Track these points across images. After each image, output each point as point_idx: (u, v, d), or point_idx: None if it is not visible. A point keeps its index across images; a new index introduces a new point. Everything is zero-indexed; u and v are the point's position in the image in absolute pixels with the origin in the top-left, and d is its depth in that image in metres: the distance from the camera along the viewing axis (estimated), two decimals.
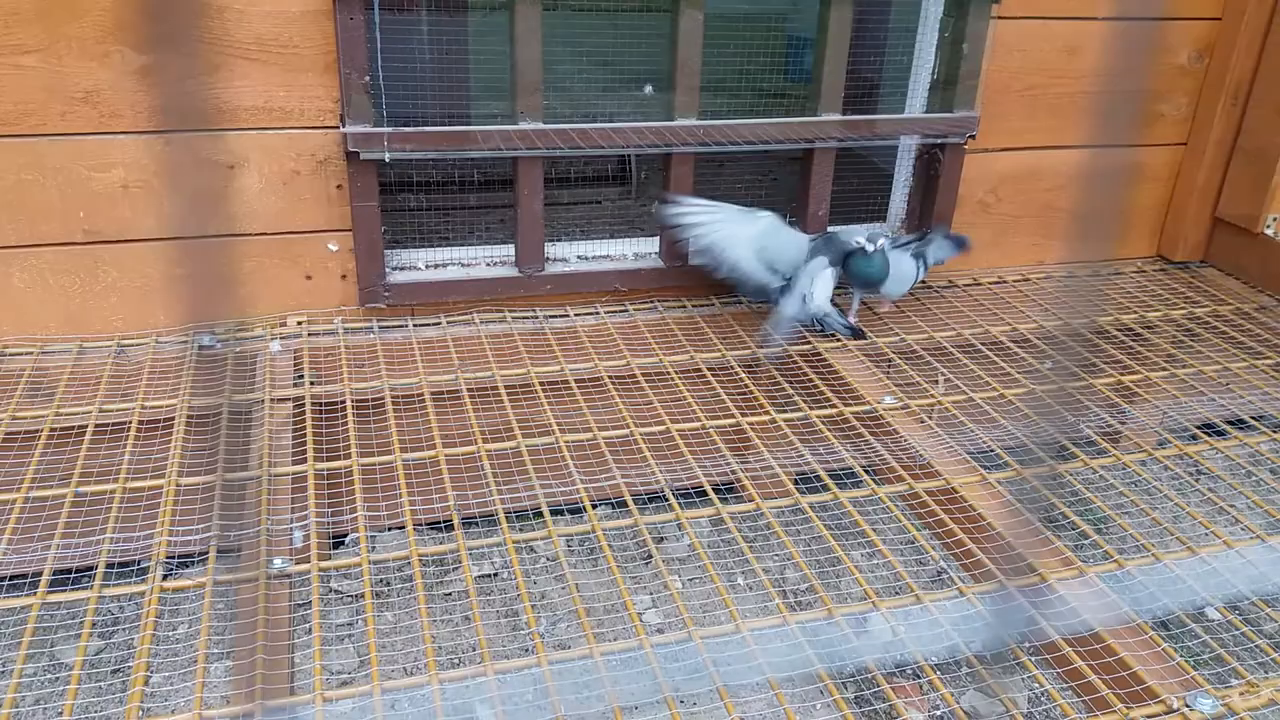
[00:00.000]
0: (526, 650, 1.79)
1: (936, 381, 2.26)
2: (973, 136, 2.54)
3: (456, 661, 2.04)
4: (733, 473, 1.90)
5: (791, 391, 2.15)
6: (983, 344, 2.37)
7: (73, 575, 1.55)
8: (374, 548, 2.11)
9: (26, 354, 2.06)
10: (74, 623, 1.47)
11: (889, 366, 2.29)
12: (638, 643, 1.52)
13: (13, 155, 1.96)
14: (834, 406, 2.09)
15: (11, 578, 1.53)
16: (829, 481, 1.86)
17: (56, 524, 1.63)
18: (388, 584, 2.11)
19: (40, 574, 1.52)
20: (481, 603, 1.59)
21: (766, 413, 2.06)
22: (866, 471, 1.92)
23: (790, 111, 2.53)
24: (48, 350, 2.07)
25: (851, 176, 2.66)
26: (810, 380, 2.19)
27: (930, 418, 2.09)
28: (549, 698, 1.44)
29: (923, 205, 2.63)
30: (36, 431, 1.84)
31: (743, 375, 2.21)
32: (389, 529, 2.13)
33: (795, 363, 2.26)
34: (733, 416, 2.06)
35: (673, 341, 2.30)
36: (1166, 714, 1.37)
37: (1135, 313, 2.56)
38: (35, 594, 1.49)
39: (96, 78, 1.94)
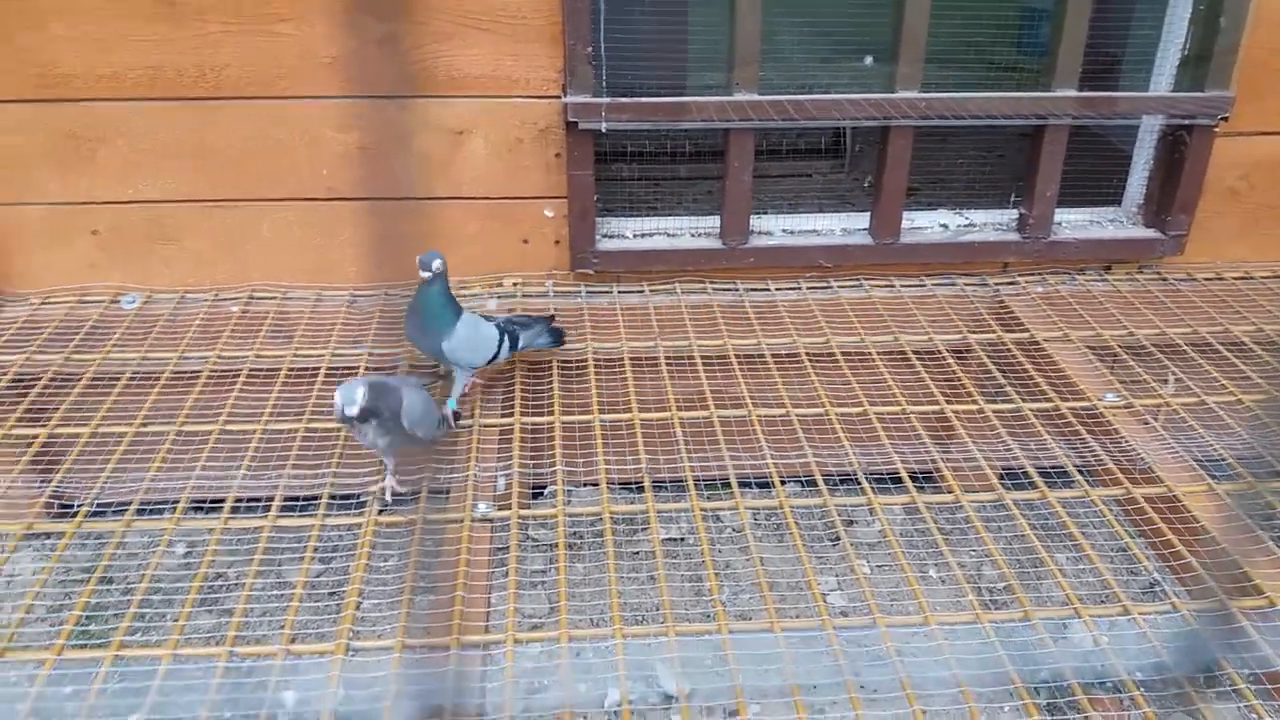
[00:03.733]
0: (708, 616, 1.81)
1: (1166, 380, 2.09)
2: (1225, 118, 2.32)
3: (640, 619, 2.09)
4: (932, 461, 1.84)
5: (1004, 382, 2.06)
6: (1222, 343, 2.17)
7: (300, 503, 1.70)
8: (570, 501, 2.18)
9: (271, 299, 2.25)
10: (299, 546, 1.61)
11: (1114, 361, 2.15)
12: (820, 623, 1.51)
13: (267, 115, 2.14)
14: (1049, 400, 1.98)
15: (248, 500, 1.69)
16: (1037, 479, 1.77)
17: (289, 456, 1.79)
18: (580, 537, 2.18)
19: (272, 500, 1.67)
20: (667, 565, 1.62)
21: (974, 402, 1.98)
22: (1080, 471, 1.81)
23: (1021, 86, 2.40)
24: (289, 296, 2.26)
25: (1085, 156, 2.50)
26: (1026, 371, 2.09)
27: (1155, 419, 1.94)
28: (727, 665, 1.45)
29: (1163, 191, 2.43)
30: (277, 370, 2.01)
31: (951, 361, 2.12)
32: (584, 485, 2.20)
33: (1010, 352, 2.15)
34: (936, 403, 1.99)
35: (877, 321, 2.24)
36: None
37: None
38: (267, 517, 1.64)
39: (341, 44, 2.08)
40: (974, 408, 1.97)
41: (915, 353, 2.13)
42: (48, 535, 1.62)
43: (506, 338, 1.95)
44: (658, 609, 2.01)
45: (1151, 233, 2.45)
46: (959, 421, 1.94)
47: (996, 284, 2.41)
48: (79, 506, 1.66)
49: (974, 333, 2.23)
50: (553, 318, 2.12)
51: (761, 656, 2.05)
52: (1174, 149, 2.40)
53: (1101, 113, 2.32)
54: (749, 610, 2.08)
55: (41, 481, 1.83)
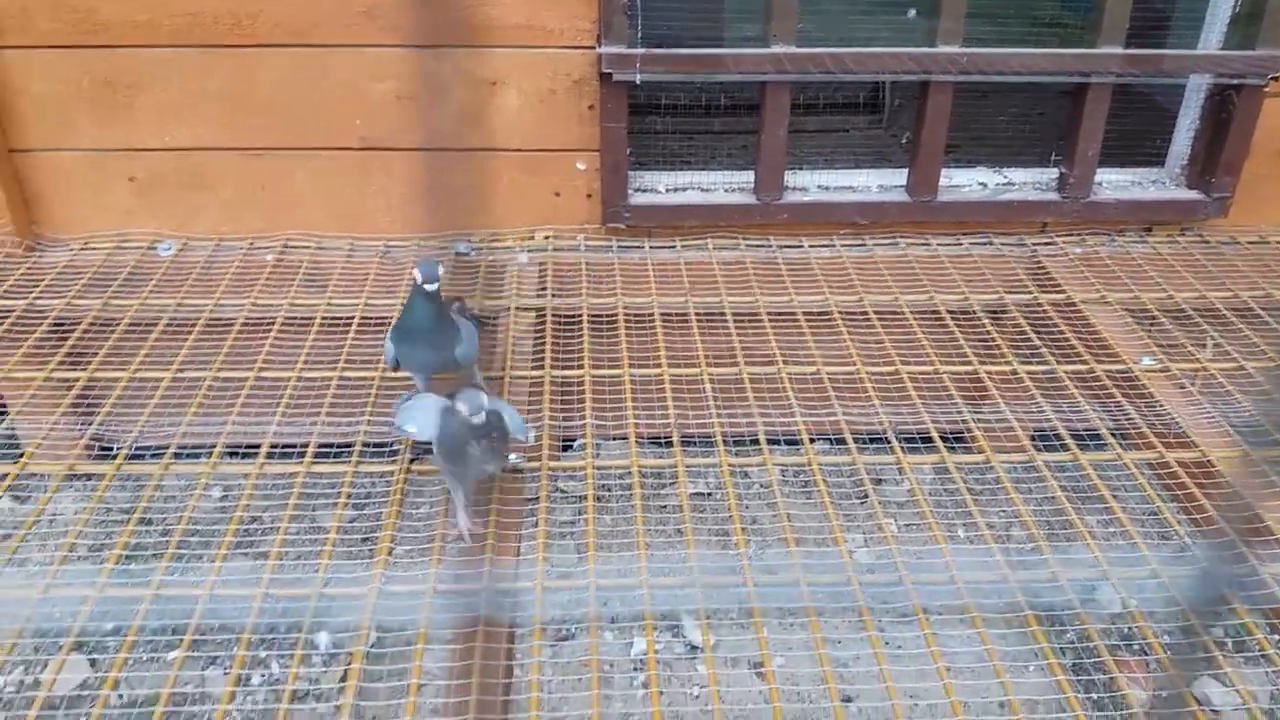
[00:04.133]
0: (734, 570, 1.82)
1: (1204, 345, 2.06)
2: (1276, 78, 2.26)
3: (667, 571, 2.11)
4: (963, 422, 1.83)
5: (1039, 343, 2.04)
6: (1264, 308, 2.13)
7: (334, 450, 1.72)
8: (599, 454, 2.20)
9: (304, 248, 2.27)
10: (333, 492, 1.63)
11: (1151, 324, 2.12)
12: (846, 578, 1.51)
13: (302, 63, 2.14)
14: (1084, 363, 1.96)
15: (283, 446, 1.71)
16: (1069, 441, 1.76)
17: (323, 403, 1.81)
18: (609, 490, 2.20)
19: (307, 446, 1.69)
20: (694, 519, 1.63)
21: (1008, 363, 1.97)
22: (1113, 434, 1.80)
23: (1065, 42, 2.34)
24: (323, 246, 2.27)
25: (1128, 115, 2.44)
26: (1061, 333, 2.06)
27: (1192, 383, 1.92)
28: (752, 618, 1.47)
29: (1208, 152, 2.38)
30: (311, 319, 2.03)
31: (985, 321, 2.10)
32: (613, 438, 2.21)
33: (1046, 313, 2.13)
34: (969, 364, 1.97)
35: (911, 280, 2.22)
36: None
37: None
38: (302, 463, 1.67)
39: None
40: (1007, 369, 1.96)
41: (950, 312, 2.12)
42: (88, 477, 1.66)
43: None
44: (684, 562, 2.03)
45: (1195, 194, 2.40)
46: (992, 382, 1.93)
47: (1034, 244, 2.37)
48: (118, 449, 1.69)
49: (1010, 293, 2.20)
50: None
51: (787, 610, 2.07)
52: (1221, 109, 2.34)
53: (1147, 71, 2.26)
54: (775, 565, 2.09)
55: (82, 424, 1.87)
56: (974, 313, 2.13)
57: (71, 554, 1.56)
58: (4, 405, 1.99)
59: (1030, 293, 2.20)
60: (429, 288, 1.58)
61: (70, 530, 1.60)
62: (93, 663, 1.94)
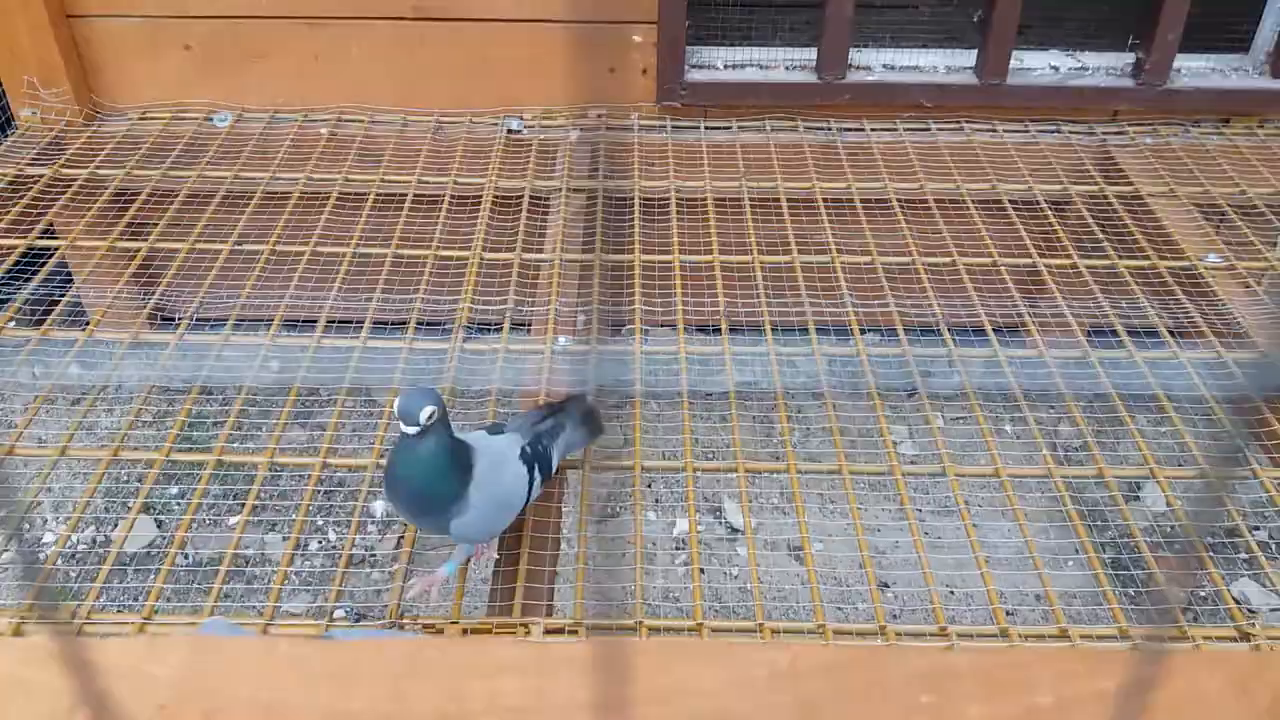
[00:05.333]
0: (777, 457, 1.85)
1: (1275, 243, 1.99)
2: None
3: (711, 455, 2.14)
4: (1018, 316, 1.81)
5: (1102, 237, 1.98)
6: None
7: (388, 327, 1.75)
8: (646, 340, 2.21)
9: (358, 121, 2.25)
10: (388, 369, 1.66)
11: (1220, 220, 2.05)
12: (889, 468, 1.53)
13: None
14: (1147, 258, 1.91)
15: (340, 322, 1.74)
16: (1125, 338, 1.73)
17: (378, 280, 1.83)
18: (655, 375, 2.22)
19: (363, 322, 1.72)
20: (739, 406, 1.64)
21: (1068, 256, 1.92)
22: (1171, 333, 1.76)
23: None
24: (376, 120, 2.26)
25: None
26: (1125, 226, 2.00)
27: (1259, 282, 1.87)
28: (793, 503, 1.49)
29: None
30: (365, 195, 2.04)
31: (1048, 212, 2.05)
32: (661, 324, 2.22)
33: (1112, 206, 2.06)
34: (1029, 256, 1.93)
35: (975, 168, 2.15)
36: None
37: None
38: (358, 339, 1.70)
39: None
40: (1067, 262, 1.92)
41: (1012, 202, 2.06)
42: (151, 346, 1.71)
43: (538, 469, 1.32)
44: (728, 447, 2.06)
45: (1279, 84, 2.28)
46: (1050, 276, 1.89)
47: (1104, 133, 2.28)
48: (180, 319, 1.73)
49: (1075, 184, 2.13)
50: (584, 398, 1.46)
51: (827, 496, 2.10)
52: None
53: None
54: (818, 454, 2.11)
55: (144, 294, 1.92)
56: (1037, 203, 2.07)
57: (137, 420, 1.62)
58: (70, 274, 2.04)
59: (1096, 184, 2.13)
60: (407, 430, 1.17)
61: (136, 397, 1.66)
62: (159, 524, 2.04)
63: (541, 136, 2.24)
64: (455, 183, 2.08)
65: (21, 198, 1.97)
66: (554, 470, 1.36)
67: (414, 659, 0.49)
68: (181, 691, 0.48)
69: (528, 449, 1.30)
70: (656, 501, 2.10)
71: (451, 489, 1.22)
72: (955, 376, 1.69)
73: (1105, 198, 2.09)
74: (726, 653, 0.54)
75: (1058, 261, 1.92)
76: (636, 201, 2.06)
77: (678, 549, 2.04)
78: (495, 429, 1.35)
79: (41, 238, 1.89)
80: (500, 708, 0.48)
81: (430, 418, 1.17)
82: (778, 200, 2.06)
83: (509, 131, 2.24)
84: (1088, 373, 1.70)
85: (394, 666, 0.49)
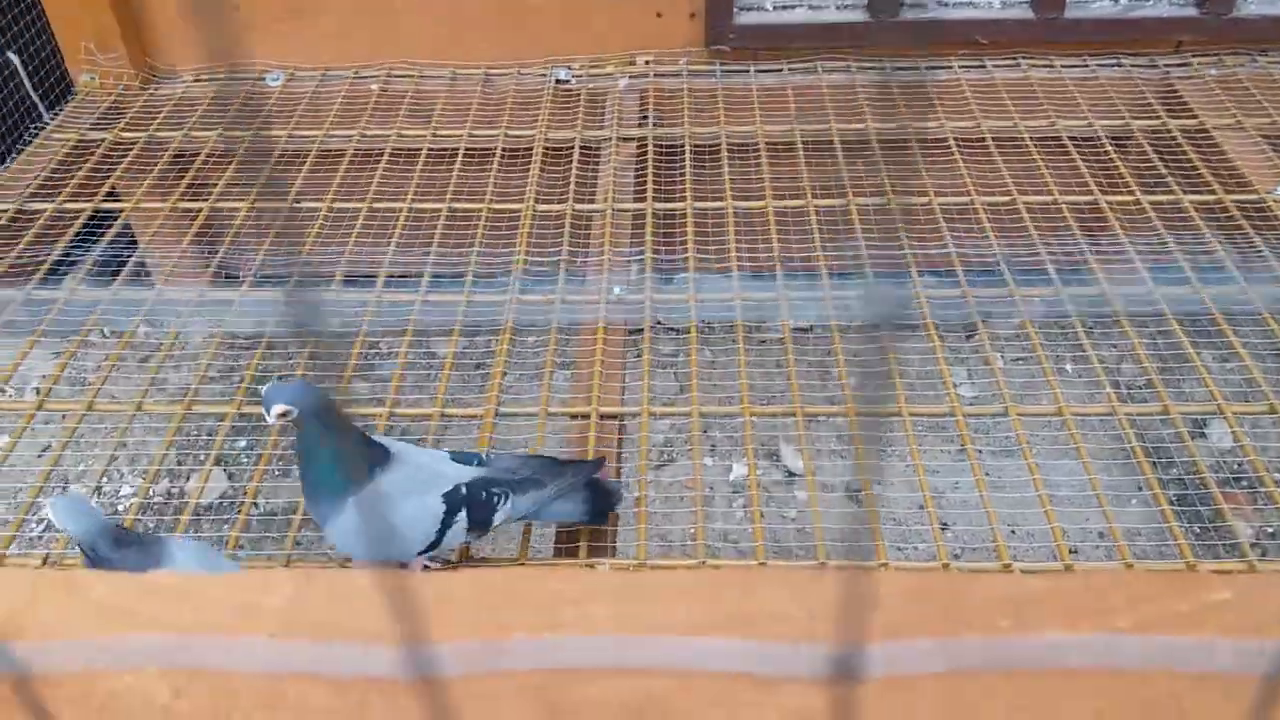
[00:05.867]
0: (833, 401, 1.85)
1: None
2: None
3: (767, 400, 2.14)
4: (1080, 254, 1.78)
5: (1165, 172, 1.93)
6: None
7: (446, 280, 1.77)
8: (701, 287, 2.21)
9: (408, 77, 2.26)
10: (446, 321, 1.69)
11: None
12: (949, 409, 1.52)
13: None
14: (1212, 192, 1.86)
15: (400, 276, 1.77)
16: (1190, 274, 1.69)
17: (434, 234, 1.85)
18: (710, 324, 2.22)
19: (421, 276, 1.74)
20: (796, 351, 1.65)
21: (1131, 193, 1.88)
22: (1238, 268, 1.73)
23: None
24: (425, 75, 2.26)
25: None
26: (1189, 161, 1.95)
27: None
28: (849, 446, 1.50)
29: None
30: (418, 150, 2.05)
31: (1109, 148, 2.00)
32: (715, 271, 2.22)
33: (1175, 140, 2.01)
34: (1090, 193, 1.89)
35: (1033, 104, 2.11)
36: None
37: None
38: (417, 293, 1.72)
39: None
40: (1130, 199, 1.88)
41: (1072, 139, 2.02)
42: (216, 303, 1.75)
43: (465, 514, 1.18)
44: (784, 392, 2.06)
45: None
46: (1112, 213, 1.86)
47: (1166, 65, 2.22)
48: (243, 277, 1.77)
49: (1137, 119, 2.08)
50: (600, 464, 1.32)
51: (887, 440, 2.10)
52: None
53: None
54: (876, 396, 2.10)
55: (207, 253, 1.96)
56: (1098, 139, 2.03)
57: (206, 375, 1.67)
58: (133, 237, 2.09)
59: (1159, 118, 2.08)
60: (269, 420, 1.09)
61: (203, 354, 1.70)
62: (230, 475, 2.10)
63: (590, 86, 2.23)
64: (506, 135, 2.09)
65: (85, 162, 2.01)
66: (493, 524, 1.21)
67: (513, 586, 0.51)
68: (289, 619, 0.51)
69: (463, 489, 1.18)
70: (713, 448, 2.11)
71: (325, 490, 1.13)
72: (1015, 317, 1.67)
73: (1168, 132, 2.03)
74: (809, 578, 0.55)
75: (1119, 198, 1.88)
76: (687, 148, 2.05)
77: (735, 493, 2.05)
78: (467, 458, 1.24)
79: (106, 200, 1.94)
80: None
81: (283, 416, 1.08)
82: (831, 143, 2.03)
83: (557, 82, 2.24)
84: (1152, 309, 1.67)
85: (492, 598, 0.51)
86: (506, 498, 1.21)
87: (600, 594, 0.53)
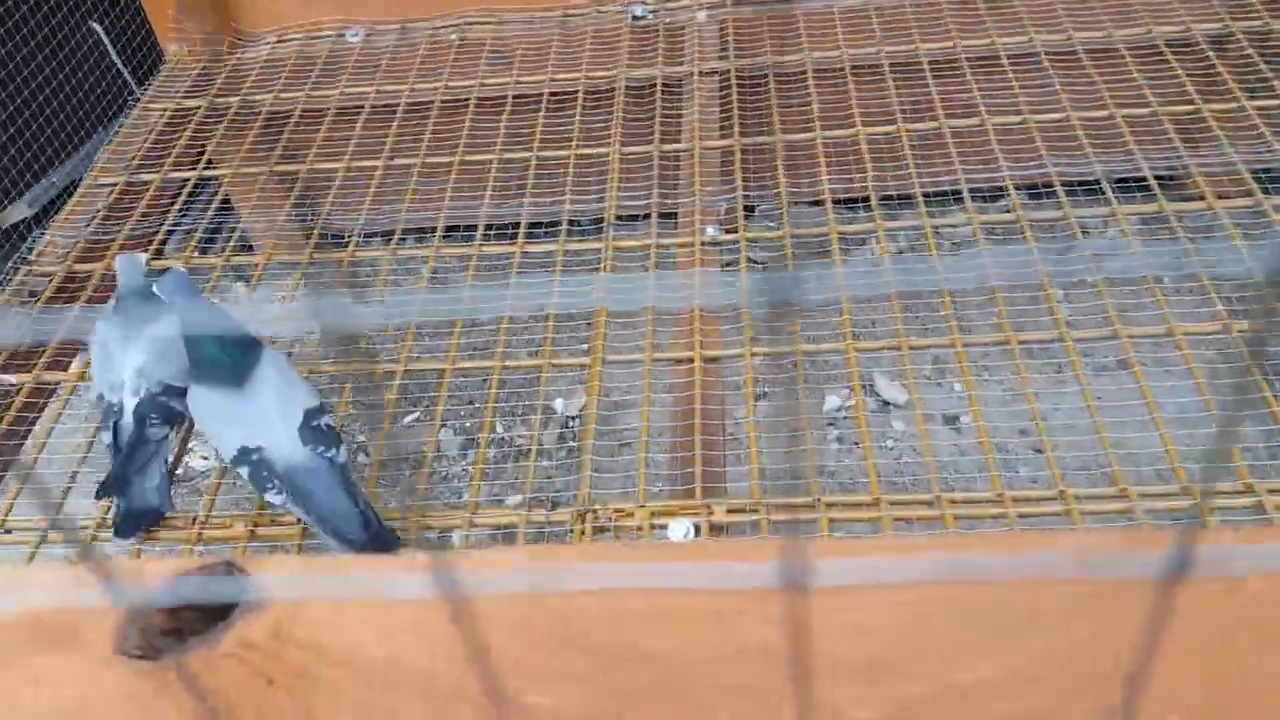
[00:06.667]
0: (927, 331, 1.84)
1: None
2: None
3: (864, 335, 2.15)
4: (1183, 166, 1.73)
5: (1270, 75, 1.86)
6: None
7: (543, 229, 1.80)
8: (795, 222, 2.21)
9: (486, 24, 2.26)
10: (547, 270, 1.72)
11: None
12: (1056, 335, 1.52)
13: None
14: None
15: (496, 229, 1.80)
16: None
17: (525, 183, 1.87)
18: (804, 258, 2.22)
19: (517, 225, 1.77)
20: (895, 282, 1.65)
21: (1235, 99, 1.82)
22: None
23: None
24: (504, 20, 2.26)
25: None
26: None
27: None
28: (945, 377, 1.50)
29: None
30: (502, 98, 2.06)
31: (1209, 53, 1.93)
32: (809, 204, 2.21)
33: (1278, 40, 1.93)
34: (1191, 102, 1.83)
35: (1126, 12, 2.03)
36: None
37: None
38: (515, 244, 1.75)
39: None
40: (1233, 105, 1.81)
41: (1169, 44, 1.95)
42: (324, 265, 1.80)
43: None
44: (875, 325, 2.06)
45: None
46: (1215, 121, 1.80)
47: None
48: (348, 237, 1.82)
49: (1237, 20, 1.99)
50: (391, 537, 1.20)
51: (980, 365, 2.09)
52: None
53: None
54: (977, 324, 2.10)
55: (309, 215, 2.01)
56: (1196, 44, 1.95)
57: (313, 334, 1.73)
58: (229, 201, 2.15)
59: (1261, 18, 1.99)
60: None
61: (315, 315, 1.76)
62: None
63: (667, 20, 2.21)
64: (587, 78, 2.08)
65: (185, 129, 2.07)
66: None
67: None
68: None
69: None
70: (807, 381, 2.13)
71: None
72: (1114, 235, 1.64)
73: (1272, 33, 1.95)
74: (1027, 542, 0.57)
75: (1222, 106, 1.82)
76: (771, 79, 2.03)
77: (829, 425, 2.08)
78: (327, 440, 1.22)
79: (207, 167, 2.00)
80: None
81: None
82: (919, 64, 1.99)
83: (633, 18, 2.22)
84: (1261, 220, 1.63)
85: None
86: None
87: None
